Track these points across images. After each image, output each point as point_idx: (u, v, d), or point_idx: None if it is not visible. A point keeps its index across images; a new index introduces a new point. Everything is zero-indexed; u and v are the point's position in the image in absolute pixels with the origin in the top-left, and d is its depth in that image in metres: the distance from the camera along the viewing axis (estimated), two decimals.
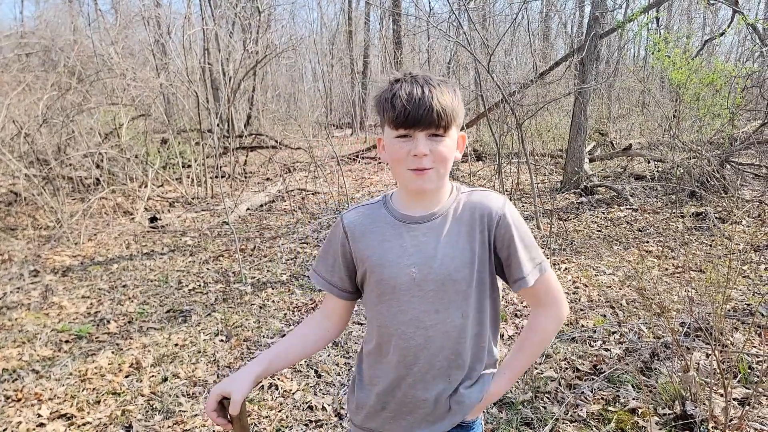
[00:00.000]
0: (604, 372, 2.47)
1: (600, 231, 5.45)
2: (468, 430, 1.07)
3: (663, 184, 6.74)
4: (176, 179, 8.17)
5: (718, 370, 2.07)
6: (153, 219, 5.93)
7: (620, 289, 3.73)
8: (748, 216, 5.38)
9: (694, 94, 5.20)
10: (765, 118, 6.24)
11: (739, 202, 5.58)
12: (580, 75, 6.50)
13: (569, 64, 7.16)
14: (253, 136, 10.15)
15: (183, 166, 8.37)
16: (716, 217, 5.27)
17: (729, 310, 3.13)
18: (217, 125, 9.08)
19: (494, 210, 0.99)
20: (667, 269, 4.16)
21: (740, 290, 3.48)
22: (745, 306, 3.21)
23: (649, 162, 8.25)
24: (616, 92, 12.70)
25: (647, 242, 4.95)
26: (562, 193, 7.20)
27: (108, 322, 3.48)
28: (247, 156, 9.77)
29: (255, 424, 2.30)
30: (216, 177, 7.87)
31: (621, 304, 3.39)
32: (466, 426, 1.07)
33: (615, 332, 2.97)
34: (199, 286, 4.11)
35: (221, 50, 7.71)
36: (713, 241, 4.77)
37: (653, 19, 6.59)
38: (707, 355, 2.54)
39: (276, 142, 9.58)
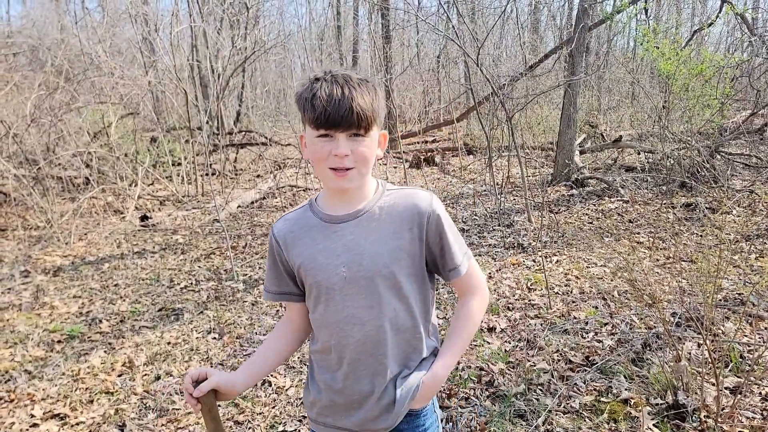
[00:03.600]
0: (597, 363, 2.49)
1: (591, 223, 5.48)
2: (419, 418, 1.10)
3: (653, 175, 6.78)
4: (166, 177, 8.10)
5: (709, 360, 2.09)
6: (144, 218, 5.88)
7: (612, 280, 3.75)
8: (738, 206, 5.43)
9: (683, 85, 5.23)
10: (754, 108, 6.30)
11: (730, 192, 5.63)
12: (570, 67, 6.51)
13: (558, 56, 7.17)
14: (243, 133, 10.09)
15: (173, 164, 8.30)
16: (707, 208, 5.31)
17: (720, 300, 3.16)
18: (207, 122, 9.02)
19: (423, 207, 1.03)
20: (658, 260, 4.19)
21: (731, 280, 3.51)
22: (736, 295, 3.24)
23: (639, 153, 8.30)
24: (605, 84, 12.75)
25: (638, 233, 4.98)
26: (553, 185, 7.23)
27: (100, 321, 3.45)
28: (237, 153, 9.72)
29: (249, 421, 2.30)
30: (206, 174, 7.81)
31: (613, 296, 3.41)
32: (415, 414, 1.10)
33: (607, 323, 2.99)
34: (191, 284, 4.09)
35: (209, 47, 7.65)
36: (704, 231, 4.81)
37: (642, 10, 6.60)
38: (698, 345, 2.57)
39: (266, 138, 9.53)
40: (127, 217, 6.11)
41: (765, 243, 4.35)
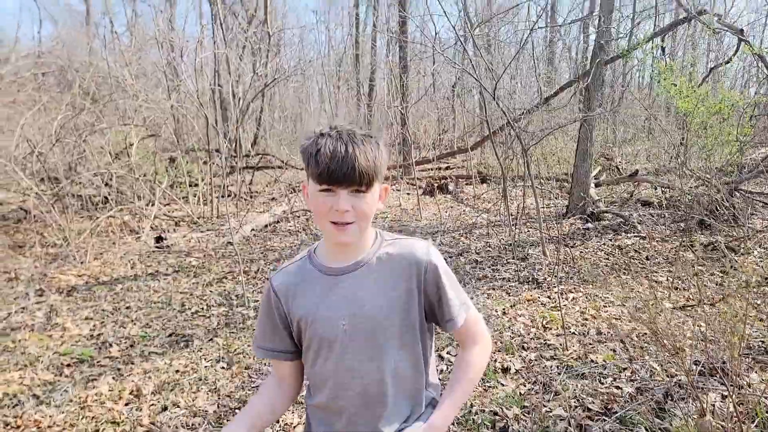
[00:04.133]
0: (616, 413, 2.41)
1: (608, 259, 5.39)
2: None
3: (671, 211, 6.69)
4: (183, 197, 8.19)
5: (735, 414, 2.01)
6: (159, 239, 5.93)
7: (630, 321, 3.66)
8: (760, 246, 5.32)
9: (701, 123, 5.19)
10: None
11: (750, 231, 5.51)
12: (586, 101, 6.52)
13: (575, 91, 7.19)
14: (260, 156, 10.20)
15: (190, 185, 8.41)
16: (727, 247, 5.21)
17: (744, 348, 3.06)
18: (225, 145, 9.15)
19: (421, 258, 1.04)
20: (677, 301, 4.09)
21: (754, 326, 3.41)
22: (761, 343, 3.13)
23: (655, 188, 8.21)
24: (621, 117, 12.74)
25: (656, 272, 4.88)
26: (568, 218, 7.16)
27: (110, 345, 3.44)
28: (252, 175, 9.82)
29: None
30: (222, 196, 7.89)
31: (631, 339, 3.32)
32: None
33: (626, 369, 2.90)
34: (202, 309, 4.08)
35: (231, 73, 7.81)
36: (724, 272, 4.70)
37: (658, 47, 6.62)
38: (723, 397, 2.47)
39: (282, 162, 9.62)
40: (143, 237, 6.16)
41: None
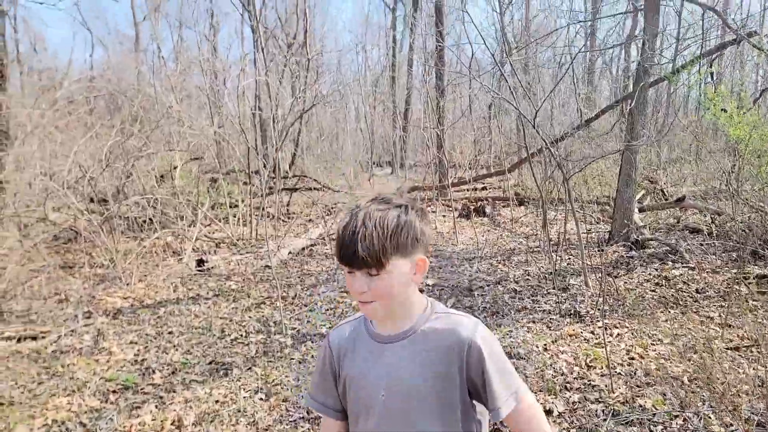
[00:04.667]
0: None
1: (654, 291, 5.17)
2: None
3: (722, 240, 6.39)
4: (223, 218, 8.42)
5: None
6: (200, 262, 6.08)
7: (680, 362, 3.48)
8: None
9: (754, 150, 4.96)
10: None
11: None
12: (629, 127, 6.35)
13: (618, 116, 7.02)
14: (297, 177, 10.39)
15: (230, 206, 8.63)
16: None
17: None
18: (264, 166, 9.38)
19: (465, 338, 1.00)
20: (731, 341, 3.87)
21: None
22: None
23: (704, 214, 7.87)
24: (666, 138, 12.32)
25: (708, 306, 4.65)
26: (611, 245, 6.93)
27: (153, 372, 3.52)
28: (290, 197, 10.00)
29: None
30: (261, 217, 8.05)
31: (682, 382, 3.16)
32: None
33: (677, 416, 2.75)
34: (241, 336, 4.14)
35: (272, 97, 8.03)
36: None
37: (707, 74, 6.41)
38: None
39: (319, 184, 9.76)
40: (185, 260, 6.34)
41: None
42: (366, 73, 23.64)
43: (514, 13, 18.36)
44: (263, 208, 8.07)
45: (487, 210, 10.08)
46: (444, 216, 10.04)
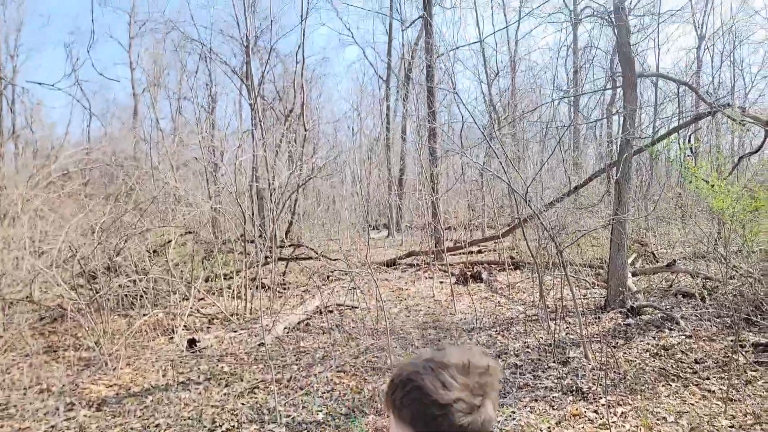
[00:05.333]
0: None
1: (654, 361, 5.12)
2: None
3: (715, 306, 6.40)
4: (218, 290, 8.34)
5: None
6: (191, 342, 5.97)
7: None
8: None
9: (738, 221, 5.09)
10: None
11: None
12: (617, 196, 6.52)
13: (605, 191, 7.23)
14: (293, 247, 10.43)
15: (224, 278, 8.59)
16: None
17: None
18: (260, 236, 9.44)
19: None
20: (734, 417, 3.80)
21: None
22: None
23: (695, 278, 7.92)
24: (652, 195, 12.60)
25: (707, 378, 4.59)
26: (607, 312, 6.91)
27: None
28: (286, 266, 9.98)
29: None
30: (256, 288, 8.00)
31: None
32: None
33: None
34: (233, 427, 4.00)
35: (268, 170, 8.23)
36: None
37: (687, 148, 6.69)
38: None
39: (315, 253, 9.79)
40: (176, 339, 6.23)
41: None
42: (361, 140, 24.38)
43: (501, 81, 19.24)
44: (259, 279, 8.04)
45: (484, 275, 10.08)
46: (441, 282, 10.02)
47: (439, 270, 10.98)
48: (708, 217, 8.16)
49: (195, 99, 18.42)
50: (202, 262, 9.08)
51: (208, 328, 7.06)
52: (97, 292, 6.61)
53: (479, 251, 13.15)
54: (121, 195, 7.87)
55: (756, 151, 6.93)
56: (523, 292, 8.87)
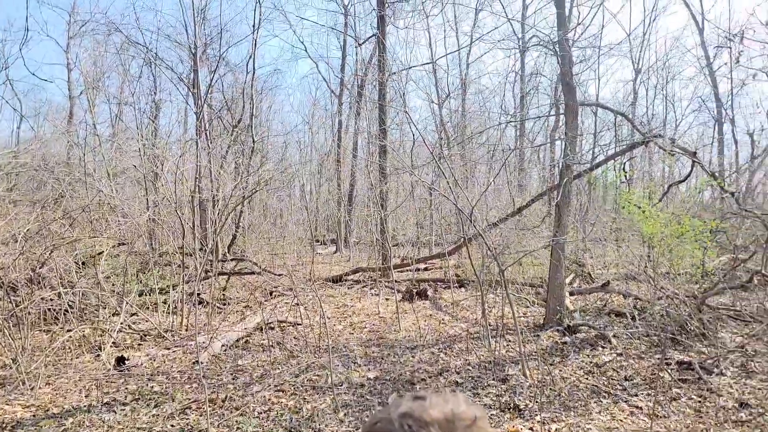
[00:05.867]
0: None
1: (587, 378, 5.29)
2: None
3: (644, 325, 6.73)
4: (152, 305, 7.92)
5: None
6: (120, 360, 5.61)
7: None
8: (732, 366, 5.32)
9: (666, 245, 5.41)
10: (734, 263, 6.47)
11: (721, 350, 5.55)
12: (557, 218, 6.78)
13: (546, 214, 7.51)
14: (236, 261, 10.12)
15: (160, 292, 8.17)
16: (701, 367, 5.19)
17: None
18: (201, 249, 9.08)
19: None
20: None
21: None
22: None
23: (626, 298, 8.32)
24: (590, 219, 13.24)
25: (636, 395, 4.79)
26: (546, 330, 7.11)
27: None
28: (227, 281, 9.64)
29: None
30: (194, 304, 7.66)
31: None
32: None
33: None
34: None
35: (212, 180, 7.97)
36: (702, 396, 4.64)
37: (622, 175, 7.09)
38: None
39: (259, 268, 9.53)
40: (103, 356, 5.83)
41: (763, 414, 4.19)
42: (312, 153, 24.21)
43: (452, 102, 19.73)
44: (197, 294, 7.71)
45: (429, 293, 10.16)
46: (387, 299, 9.99)
47: (386, 287, 10.97)
48: (639, 240, 8.62)
49: (137, 105, 17.67)
50: (137, 276, 8.62)
51: (139, 345, 6.67)
52: (16, 305, 6.12)
53: (426, 269, 13.27)
54: (49, 202, 7.35)
55: (683, 180, 7.41)
56: (467, 310, 8.99)
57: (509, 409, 4.51)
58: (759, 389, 4.76)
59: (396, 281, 10.32)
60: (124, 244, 8.18)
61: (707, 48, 17.45)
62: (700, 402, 4.55)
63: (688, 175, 7.03)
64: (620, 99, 21.89)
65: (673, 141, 7.17)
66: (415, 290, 10.13)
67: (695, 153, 7.28)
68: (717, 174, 7.10)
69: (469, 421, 0.84)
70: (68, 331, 6.05)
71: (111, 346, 6.14)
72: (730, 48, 14.12)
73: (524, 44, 15.77)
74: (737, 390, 4.77)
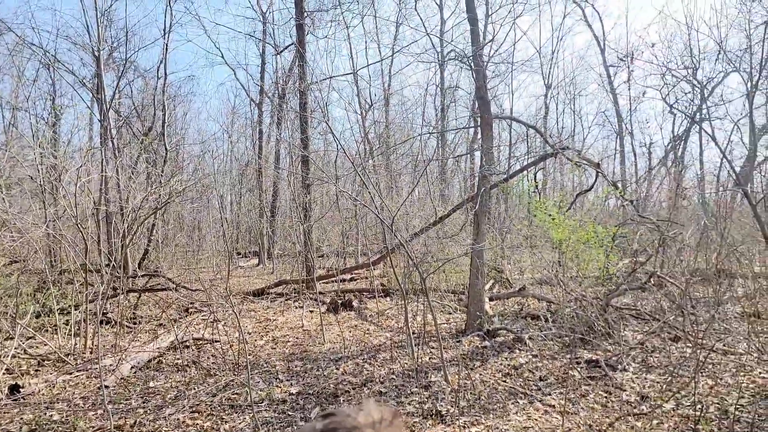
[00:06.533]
0: None
1: (505, 381, 5.51)
2: None
3: (556, 326, 7.15)
4: (52, 326, 7.21)
5: None
6: (13, 389, 5.04)
7: None
8: (634, 362, 5.78)
9: (573, 250, 5.81)
10: (634, 265, 7.05)
11: (624, 347, 6.01)
12: (475, 227, 7.04)
13: (465, 222, 7.79)
14: (148, 277, 9.49)
15: (60, 312, 7.46)
16: (607, 365, 5.59)
17: None
18: (107, 265, 8.42)
19: None
20: (570, 429, 4.21)
21: None
22: None
23: (540, 301, 8.83)
24: (507, 227, 13.93)
25: (549, 394, 5.06)
26: (467, 336, 7.34)
27: None
28: (138, 298, 9.02)
29: None
30: (100, 323, 7.07)
31: None
32: None
33: None
34: None
35: (120, 191, 7.44)
36: (608, 391, 4.99)
37: (533, 186, 7.52)
38: None
39: (174, 284, 9.00)
40: None
41: (661, 405, 4.58)
42: (232, 163, 23.41)
43: (375, 113, 19.99)
44: (103, 313, 7.13)
45: (354, 304, 10.13)
46: (311, 311, 9.84)
47: (310, 299, 10.81)
48: (551, 246, 9.18)
49: (33, 110, 16.13)
50: (33, 296, 7.82)
51: (36, 371, 6.04)
52: None
53: (352, 279, 13.25)
54: None
55: (589, 189, 8.01)
56: (392, 319, 9.06)
57: (432, 416, 4.57)
58: (657, 383, 5.21)
59: (321, 293, 10.21)
60: (17, 261, 7.38)
61: (607, 66, 19.09)
62: (606, 397, 4.88)
63: (593, 184, 7.60)
64: (533, 112, 23.36)
65: (579, 153, 7.74)
66: (340, 301, 10.06)
67: (599, 164, 7.90)
68: (618, 183, 7.75)
69: (387, 421, 0.90)
70: None
71: (4, 373, 5.50)
72: (628, 67, 15.59)
73: (443, 58, 16.37)
74: (638, 384, 5.18)
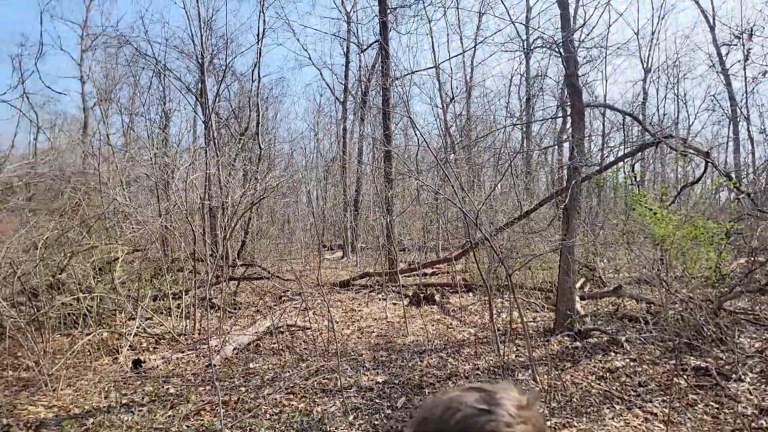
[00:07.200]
0: None
1: (599, 384, 5.27)
2: None
3: (658, 330, 6.69)
4: (166, 309, 8.00)
5: None
6: (136, 363, 5.68)
7: None
8: (751, 371, 5.27)
9: (677, 248, 5.39)
10: (752, 266, 6.41)
11: (739, 355, 5.49)
12: (565, 222, 6.77)
13: (554, 216, 7.50)
14: (246, 266, 10.19)
15: (173, 297, 8.26)
16: (718, 373, 5.15)
17: None
18: (212, 255, 9.16)
19: None
20: None
21: None
22: None
23: (639, 302, 8.27)
24: (599, 222, 13.16)
25: (650, 401, 4.76)
26: (556, 335, 7.09)
27: None
28: (238, 286, 9.71)
29: None
30: (206, 308, 7.73)
31: None
32: None
33: None
34: None
35: (222, 187, 8.06)
36: (720, 402, 4.60)
37: (632, 177, 7.07)
38: None
39: (268, 273, 9.59)
40: (120, 359, 5.91)
41: None
42: (318, 160, 24.34)
43: (456, 106, 19.76)
44: (209, 299, 7.78)
45: (437, 297, 10.15)
46: (394, 304, 10.01)
47: (393, 291, 10.99)
48: (651, 243, 8.57)
49: (147, 115, 17.92)
50: (151, 281, 8.71)
51: (154, 348, 6.75)
52: (38, 310, 6.25)
53: (433, 273, 13.26)
54: (66, 211, 7.48)
55: (696, 181, 7.37)
56: (475, 315, 8.97)
57: None
58: None
59: (403, 286, 10.33)
60: (138, 250, 8.28)
61: (719, 45, 17.30)
62: (717, 408, 4.50)
63: (702, 175, 6.99)
64: (629, 99, 21.79)
65: (684, 141, 7.13)
66: (422, 295, 10.13)
67: (708, 153, 7.20)
68: (732, 174, 7.06)
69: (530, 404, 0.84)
70: (87, 334, 6.15)
71: (128, 350, 6.22)
72: (743, 45, 14.02)
73: (528, 46, 15.77)
74: (757, 396, 4.71)
